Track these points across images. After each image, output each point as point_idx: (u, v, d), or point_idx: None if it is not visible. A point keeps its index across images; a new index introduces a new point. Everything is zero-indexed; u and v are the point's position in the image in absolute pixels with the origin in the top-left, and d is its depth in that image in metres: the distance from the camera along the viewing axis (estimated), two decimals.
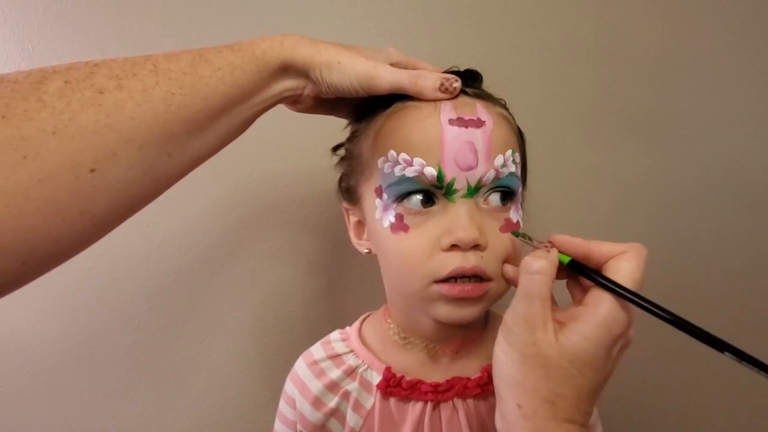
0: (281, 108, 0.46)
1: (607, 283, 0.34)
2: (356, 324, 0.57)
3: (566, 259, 0.38)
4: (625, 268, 0.35)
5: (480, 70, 0.74)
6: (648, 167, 0.79)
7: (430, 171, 0.41)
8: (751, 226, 0.81)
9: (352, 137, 0.49)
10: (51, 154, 0.28)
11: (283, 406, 0.57)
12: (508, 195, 0.44)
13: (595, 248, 0.37)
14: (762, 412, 0.84)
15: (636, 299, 0.34)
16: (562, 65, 0.76)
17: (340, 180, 0.52)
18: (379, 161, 0.43)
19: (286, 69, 0.41)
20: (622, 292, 0.34)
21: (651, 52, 0.78)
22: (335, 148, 0.54)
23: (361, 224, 0.51)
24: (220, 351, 0.73)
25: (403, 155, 0.41)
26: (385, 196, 0.43)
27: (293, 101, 0.45)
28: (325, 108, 0.49)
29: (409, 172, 0.41)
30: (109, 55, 0.33)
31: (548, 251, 0.38)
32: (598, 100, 0.78)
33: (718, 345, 0.32)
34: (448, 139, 0.41)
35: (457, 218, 0.41)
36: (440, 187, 0.42)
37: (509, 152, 0.43)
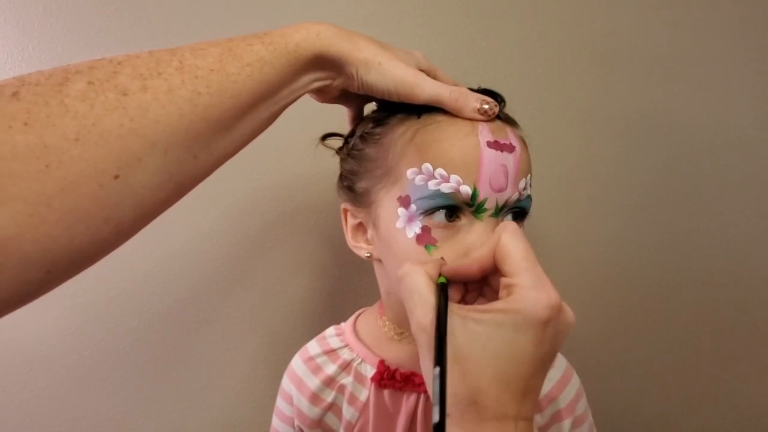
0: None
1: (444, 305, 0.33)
2: (351, 319, 0.58)
3: (443, 280, 0.36)
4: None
5: (480, 70, 0.75)
6: (649, 168, 0.79)
7: (466, 189, 0.41)
8: (753, 226, 0.81)
9: (368, 138, 0.47)
10: (74, 161, 0.27)
11: (280, 403, 0.58)
12: (521, 215, 0.46)
13: (474, 258, 0.36)
14: (758, 413, 0.84)
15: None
16: (563, 66, 0.77)
17: (342, 178, 0.50)
18: (409, 171, 0.42)
19: (318, 61, 0.39)
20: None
21: (652, 52, 0.78)
22: (324, 137, 0.54)
23: (361, 227, 0.49)
24: (221, 351, 0.73)
25: (440, 170, 0.41)
26: (413, 207, 0.42)
27: (319, 91, 0.44)
28: (344, 99, 0.47)
29: (445, 188, 0.41)
30: (109, 56, 0.33)
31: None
32: (599, 101, 0.78)
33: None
34: (485, 161, 0.41)
35: (484, 236, 0.41)
36: (471, 205, 0.42)
37: (528, 176, 0.45)
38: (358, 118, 0.51)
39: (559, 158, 0.77)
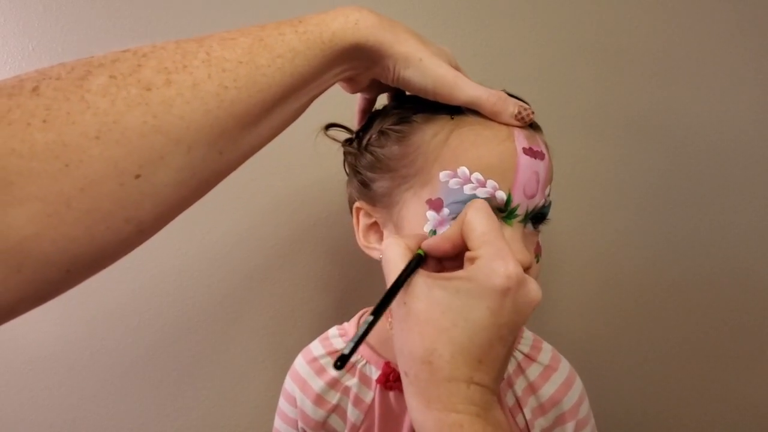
0: None
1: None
2: (354, 319, 0.57)
3: (420, 252, 0.37)
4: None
5: (480, 70, 0.75)
6: (649, 168, 0.80)
7: (501, 195, 0.41)
8: (755, 226, 0.82)
9: (390, 135, 0.45)
10: (94, 161, 0.26)
11: (283, 404, 0.57)
12: (541, 220, 0.46)
13: (446, 236, 0.37)
14: (759, 413, 0.85)
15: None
16: (563, 66, 0.77)
17: (355, 173, 0.48)
18: (443, 174, 0.41)
19: (354, 51, 0.38)
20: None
21: (653, 53, 0.78)
22: (328, 127, 0.52)
23: (375, 226, 0.47)
24: (221, 351, 0.73)
25: (477, 175, 0.40)
26: (445, 211, 0.41)
27: (350, 80, 0.42)
28: (368, 88, 0.45)
29: (481, 193, 0.40)
30: (134, 47, 0.31)
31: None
32: (599, 101, 0.78)
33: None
34: (521, 167, 0.41)
35: (514, 242, 0.41)
36: (503, 211, 0.42)
37: (552, 182, 0.45)
38: (368, 111, 0.50)
39: (559, 159, 0.77)
